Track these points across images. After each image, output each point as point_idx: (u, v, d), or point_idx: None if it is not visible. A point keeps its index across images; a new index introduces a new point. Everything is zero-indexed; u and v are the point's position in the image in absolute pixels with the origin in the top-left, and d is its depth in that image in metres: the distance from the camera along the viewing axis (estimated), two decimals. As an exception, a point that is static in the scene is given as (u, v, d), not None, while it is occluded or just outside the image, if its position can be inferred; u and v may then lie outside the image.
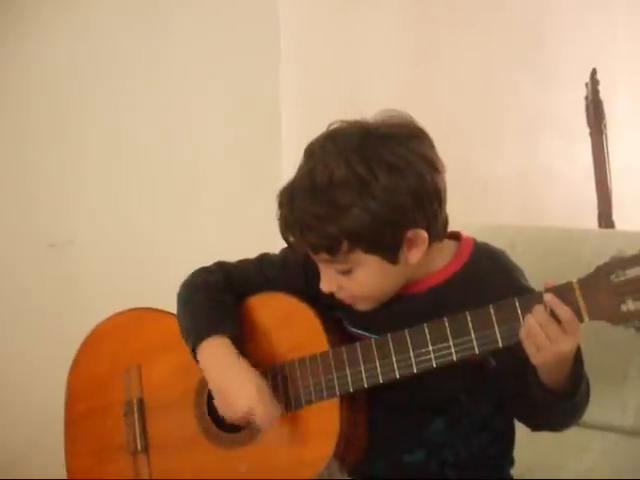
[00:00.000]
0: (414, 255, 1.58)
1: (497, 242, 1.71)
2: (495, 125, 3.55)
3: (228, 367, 1.66)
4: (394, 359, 1.58)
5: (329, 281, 1.62)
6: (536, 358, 1.50)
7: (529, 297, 1.51)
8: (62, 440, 1.93)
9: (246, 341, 1.70)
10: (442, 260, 1.66)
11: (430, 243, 1.59)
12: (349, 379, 1.61)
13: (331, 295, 1.64)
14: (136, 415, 1.83)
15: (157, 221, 2.86)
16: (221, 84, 2.91)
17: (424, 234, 1.57)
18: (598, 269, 1.48)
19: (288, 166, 1.65)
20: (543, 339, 1.47)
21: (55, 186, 2.76)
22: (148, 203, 2.86)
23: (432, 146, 1.61)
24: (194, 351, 1.70)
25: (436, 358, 1.56)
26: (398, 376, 1.59)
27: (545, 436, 1.71)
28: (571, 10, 3.76)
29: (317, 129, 1.62)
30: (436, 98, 3.26)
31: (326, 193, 1.54)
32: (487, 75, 3.48)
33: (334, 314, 1.70)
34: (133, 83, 2.83)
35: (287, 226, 1.60)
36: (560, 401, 1.56)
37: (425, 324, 1.57)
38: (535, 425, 1.68)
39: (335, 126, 1.62)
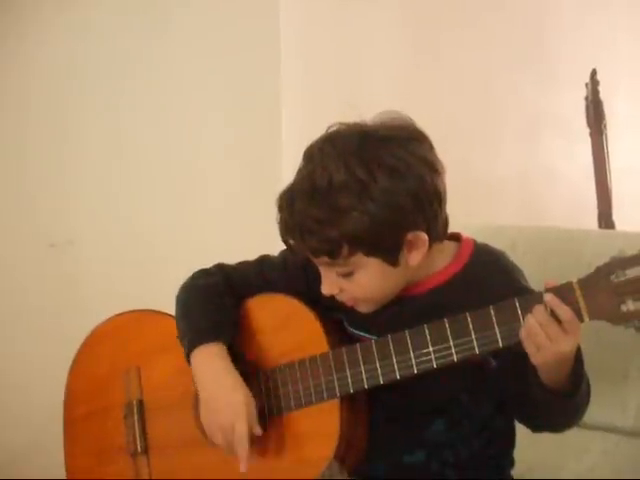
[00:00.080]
0: (414, 257, 1.58)
1: (498, 242, 1.71)
2: (495, 125, 3.54)
3: (219, 378, 1.66)
4: (394, 360, 1.58)
5: (330, 284, 1.62)
6: (536, 358, 1.50)
7: (529, 297, 1.52)
8: (62, 441, 1.93)
9: (246, 343, 1.70)
10: (442, 261, 1.65)
11: (430, 245, 1.58)
12: (349, 380, 1.61)
13: (332, 297, 1.64)
14: (136, 416, 1.82)
15: (157, 221, 2.86)
16: (221, 83, 2.91)
17: (424, 236, 1.57)
18: (598, 269, 1.48)
19: (288, 166, 1.65)
20: (543, 339, 1.47)
21: (55, 186, 2.76)
22: (148, 203, 2.86)
23: (432, 148, 1.61)
24: (188, 355, 1.70)
25: (436, 359, 1.56)
26: (398, 377, 1.59)
27: (545, 437, 1.71)
28: (571, 10, 3.76)
29: (318, 129, 1.62)
30: (436, 98, 3.27)
31: (326, 196, 1.54)
32: (487, 75, 3.48)
33: (334, 315, 1.70)
34: (133, 83, 2.83)
35: (287, 230, 1.59)
36: (560, 401, 1.56)
37: (425, 325, 1.57)
38: (535, 426, 1.68)
39: (334, 128, 1.62)
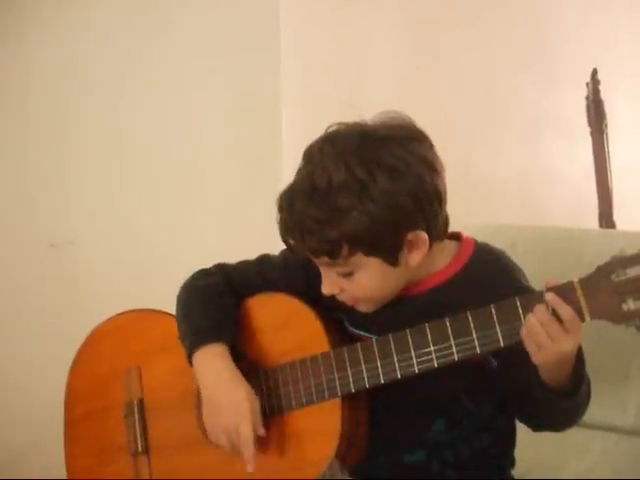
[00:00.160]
0: (415, 257, 1.58)
1: (498, 242, 1.71)
2: (496, 125, 3.54)
3: (221, 378, 1.66)
4: (395, 359, 1.58)
5: (330, 284, 1.62)
6: (537, 357, 1.50)
7: (530, 296, 1.51)
8: (62, 440, 1.93)
9: (247, 342, 1.70)
10: (443, 261, 1.65)
11: (430, 244, 1.58)
12: (350, 379, 1.61)
13: (332, 296, 1.64)
14: (136, 416, 1.82)
15: (157, 221, 2.86)
16: (221, 83, 2.91)
17: (424, 236, 1.57)
18: (599, 269, 1.48)
19: (288, 166, 1.65)
20: (544, 338, 1.47)
21: (55, 186, 2.76)
22: (148, 203, 2.86)
23: (431, 147, 1.61)
24: (190, 356, 1.69)
25: (437, 358, 1.56)
26: (399, 376, 1.59)
27: (546, 436, 1.71)
28: (572, 10, 3.76)
29: (318, 129, 1.61)
30: (437, 98, 3.27)
31: (325, 197, 1.54)
32: (488, 75, 3.48)
33: (335, 315, 1.70)
34: (133, 83, 2.83)
35: (287, 230, 1.59)
36: (561, 400, 1.56)
37: (427, 324, 1.57)
38: (536, 425, 1.68)
39: (333, 128, 1.61)
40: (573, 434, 1.73)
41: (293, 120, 2.96)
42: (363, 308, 1.65)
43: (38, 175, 2.74)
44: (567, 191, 3.73)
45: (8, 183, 2.71)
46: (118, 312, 1.90)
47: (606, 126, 3.50)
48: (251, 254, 1.80)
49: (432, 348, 1.56)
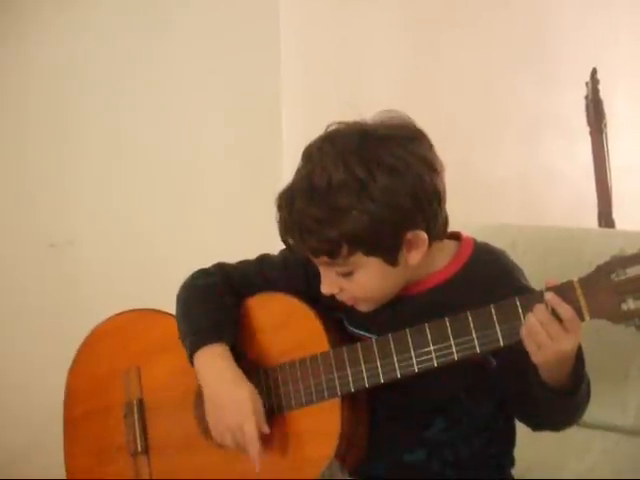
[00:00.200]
0: (414, 256, 1.58)
1: (499, 241, 1.71)
2: (496, 125, 3.54)
3: (223, 378, 1.66)
4: (395, 359, 1.58)
5: (330, 283, 1.62)
6: (537, 357, 1.50)
7: (530, 296, 1.51)
8: (61, 440, 1.93)
9: (246, 342, 1.70)
10: (442, 260, 1.65)
11: (430, 244, 1.58)
12: (350, 379, 1.61)
13: (332, 296, 1.64)
14: (136, 416, 1.82)
15: (157, 221, 2.86)
16: (221, 83, 2.91)
17: (424, 235, 1.57)
18: (599, 268, 1.48)
19: (289, 166, 1.65)
20: (544, 338, 1.47)
21: (55, 186, 2.76)
22: (148, 203, 2.85)
23: (431, 147, 1.61)
24: (191, 357, 1.69)
25: (437, 358, 1.56)
26: (399, 376, 1.59)
27: (546, 436, 1.71)
28: (572, 10, 3.76)
29: (318, 128, 1.61)
30: (437, 98, 3.26)
31: (325, 196, 1.54)
32: (488, 75, 3.48)
33: (334, 314, 1.70)
34: (133, 83, 2.83)
35: (286, 229, 1.59)
36: (561, 400, 1.56)
37: (426, 324, 1.57)
38: (536, 424, 1.68)
39: (333, 128, 1.61)
40: (573, 434, 1.73)
41: (293, 120, 2.96)
42: (363, 308, 1.65)
43: (38, 175, 2.74)
44: (567, 190, 3.73)
45: (8, 183, 2.71)
46: (118, 312, 1.90)
47: (605, 126, 3.50)
48: (251, 254, 1.80)
49: (432, 348, 1.56)
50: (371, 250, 1.56)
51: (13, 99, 2.71)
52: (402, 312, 1.64)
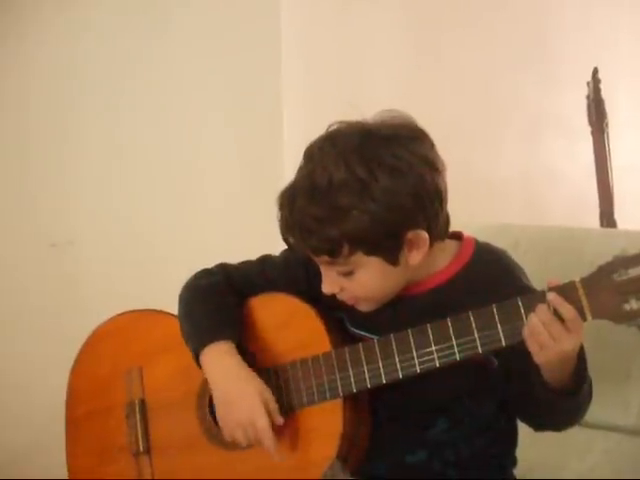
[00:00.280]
0: (415, 256, 1.58)
1: (501, 241, 1.71)
2: (497, 125, 3.54)
3: (230, 374, 1.65)
4: (397, 359, 1.58)
5: (330, 283, 1.62)
6: (539, 357, 1.50)
7: (532, 296, 1.51)
8: (63, 440, 1.93)
9: (248, 342, 1.70)
10: (444, 260, 1.65)
11: (431, 243, 1.58)
12: (352, 379, 1.61)
13: (333, 296, 1.64)
14: (138, 416, 1.82)
15: (157, 221, 2.86)
16: (221, 83, 2.90)
17: (425, 235, 1.57)
18: (600, 268, 1.48)
19: (290, 165, 1.65)
20: (546, 338, 1.47)
21: (56, 186, 2.76)
22: (148, 203, 2.85)
23: (432, 146, 1.60)
24: (196, 356, 1.69)
25: (439, 358, 1.56)
26: (401, 376, 1.58)
27: (547, 436, 1.71)
28: (573, 10, 3.76)
29: (319, 128, 1.61)
30: (438, 98, 3.26)
31: (326, 195, 1.54)
32: (489, 75, 3.48)
33: (336, 315, 1.69)
34: (133, 83, 2.83)
35: (287, 228, 1.59)
36: (563, 400, 1.56)
37: (428, 324, 1.57)
38: (537, 425, 1.68)
39: (334, 127, 1.61)
40: (575, 434, 1.73)
41: (294, 119, 2.96)
42: (363, 307, 1.65)
43: (39, 175, 2.74)
44: (568, 190, 3.73)
45: (9, 183, 2.71)
46: (119, 312, 1.90)
47: (607, 125, 3.49)
48: (251, 254, 1.79)
49: (434, 348, 1.56)
50: (372, 250, 1.56)
51: (13, 99, 2.71)
52: (403, 312, 1.64)
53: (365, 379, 1.60)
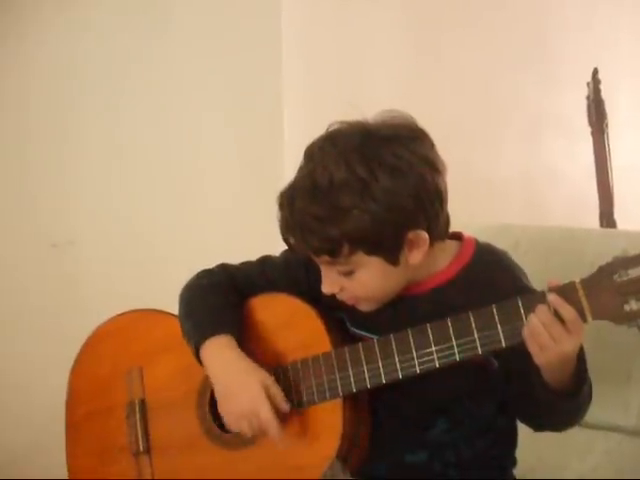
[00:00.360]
0: (415, 256, 1.58)
1: (502, 241, 1.71)
2: (497, 125, 3.54)
3: (231, 367, 1.65)
4: (397, 359, 1.58)
5: (331, 283, 1.62)
6: (539, 358, 1.50)
7: (532, 297, 1.51)
8: (63, 441, 1.93)
9: (249, 342, 1.70)
10: (444, 260, 1.65)
11: (431, 243, 1.58)
12: (352, 379, 1.61)
13: (333, 296, 1.64)
14: (138, 416, 1.82)
15: (157, 221, 2.86)
16: (222, 83, 2.90)
17: (425, 235, 1.56)
18: (601, 269, 1.47)
19: (290, 165, 1.64)
20: (546, 339, 1.47)
21: (56, 186, 2.76)
22: (148, 203, 2.85)
23: (433, 146, 1.60)
24: (197, 351, 1.69)
25: (439, 358, 1.56)
26: (401, 376, 1.58)
27: (548, 436, 1.71)
28: (573, 10, 3.76)
29: (320, 128, 1.61)
30: (438, 98, 3.26)
31: (326, 195, 1.54)
32: (489, 75, 3.48)
33: (336, 315, 1.69)
34: (133, 83, 2.83)
35: (288, 228, 1.59)
36: (563, 401, 1.56)
37: (428, 324, 1.57)
38: (538, 425, 1.68)
39: (335, 127, 1.61)
40: (575, 434, 1.73)
41: (295, 119, 2.96)
42: (364, 307, 1.65)
43: (39, 175, 2.74)
44: (568, 190, 3.73)
45: (9, 183, 2.71)
46: (119, 312, 1.90)
47: (607, 125, 3.49)
48: (252, 254, 1.79)
49: (434, 348, 1.56)
50: (372, 249, 1.56)
51: (13, 99, 2.71)
52: (403, 312, 1.64)
53: (365, 379, 1.60)
